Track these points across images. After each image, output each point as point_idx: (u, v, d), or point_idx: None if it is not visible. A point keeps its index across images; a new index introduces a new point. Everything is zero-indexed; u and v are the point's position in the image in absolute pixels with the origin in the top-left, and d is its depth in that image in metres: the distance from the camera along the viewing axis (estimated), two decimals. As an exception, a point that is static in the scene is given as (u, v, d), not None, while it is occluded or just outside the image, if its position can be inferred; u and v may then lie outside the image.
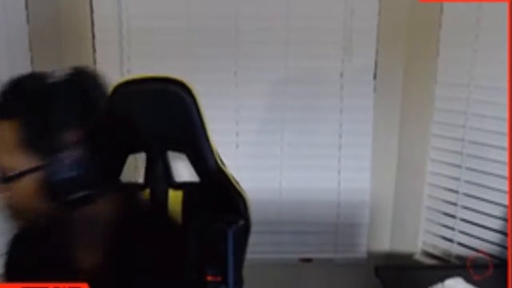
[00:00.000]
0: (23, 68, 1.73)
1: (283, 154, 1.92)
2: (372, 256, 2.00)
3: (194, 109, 1.15)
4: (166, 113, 1.16)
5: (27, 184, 0.77)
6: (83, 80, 0.84)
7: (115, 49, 1.83)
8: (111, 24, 1.81)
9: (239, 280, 0.81)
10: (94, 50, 1.84)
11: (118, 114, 0.93)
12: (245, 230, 1.11)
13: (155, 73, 1.17)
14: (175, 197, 1.16)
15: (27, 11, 1.72)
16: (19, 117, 0.76)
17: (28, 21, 1.73)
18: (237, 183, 1.18)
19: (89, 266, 0.88)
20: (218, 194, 1.10)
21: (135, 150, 1.21)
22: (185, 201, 1.16)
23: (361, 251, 2.01)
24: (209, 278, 0.80)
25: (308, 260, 2.01)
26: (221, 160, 1.18)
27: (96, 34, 1.83)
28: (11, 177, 0.77)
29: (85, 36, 1.83)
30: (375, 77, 1.88)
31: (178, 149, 1.16)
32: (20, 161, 0.77)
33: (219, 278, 0.80)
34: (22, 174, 0.77)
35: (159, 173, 1.17)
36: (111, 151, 0.86)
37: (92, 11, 1.81)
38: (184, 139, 1.14)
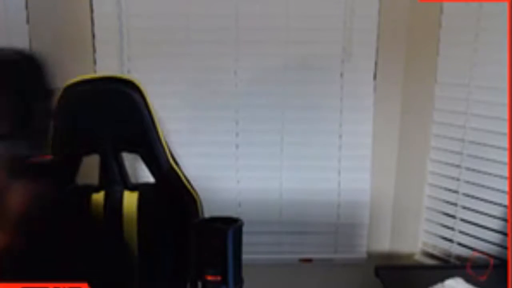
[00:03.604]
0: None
1: (283, 154, 1.92)
2: (372, 256, 2.00)
3: (144, 108, 1.14)
4: (116, 113, 1.14)
5: None
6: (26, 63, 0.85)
7: (115, 49, 1.83)
8: (111, 24, 1.81)
9: (239, 280, 0.81)
10: (94, 50, 1.84)
11: (65, 113, 0.93)
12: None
13: (104, 73, 1.16)
14: (130, 198, 1.15)
15: (27, 11, 1.72)
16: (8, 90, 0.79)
17: (28, 21, 1.73)
18: (189, 182, 1.17)
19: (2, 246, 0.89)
20: (171, 194, 1.09)
21: (87, 152, 1.20)
22: (141, 202, 1.14)
23: (361, 251, 2.01)
24: (209, 278, 0.80)
25: (308, 260, 2.01)
26: (174, 159, 1.17)
27: (96, 34, 1.83)
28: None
29: (85, 36, 1.83)
30: (375, 77, 1.88)
31: (131, 149, 1.16)
32: None
33: (219, 278, 0.80)
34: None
35: (113, 175, 1.17)
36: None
37: (92, 11, 1.81)
38: (136, 139, 1.13)
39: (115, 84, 1.08)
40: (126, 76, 1.14)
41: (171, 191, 1.10)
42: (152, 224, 1.12)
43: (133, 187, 1.18)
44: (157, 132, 1.14)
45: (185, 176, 1.17)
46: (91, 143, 1.05)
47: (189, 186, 1.16)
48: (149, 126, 1.12)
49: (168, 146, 1.17)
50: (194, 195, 1.16)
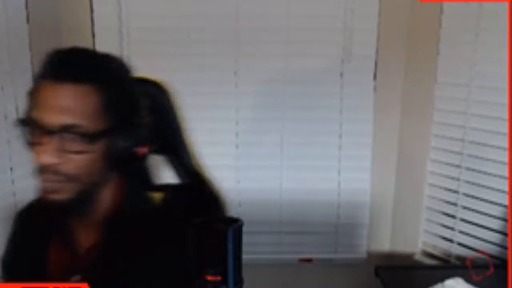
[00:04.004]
0: (23, 68, 1.73)
1: (283, 154, 1.92)
2: (372, 256, 2.00)
3: (172, 110, 1.14)
4: None
5: (97, 148, 0.82)
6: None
7: (115, 49, 1.82)
8: (111, 24, 1.81)
9: (239, 280, 0.81)
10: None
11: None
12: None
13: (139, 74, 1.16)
14: (155, 200, 1.15)
15: (27, 11, 1.72)
16: (96, 82, 0.82)
17: (28, 21, 1.73)
18: (215, 184, 1.17)
19: (88, 245, 0.92)
20: (195, 196, 1.09)
21: None
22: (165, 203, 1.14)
23: (361, 251, 2.01)
24: (209, 278, 0.80)
25: (308, 260, 2.01)
26: (199, 161, 1.17)
27: (96, 34, 1.83)
28: (91, 136, 0.81)
29: (85, 36, 1.83)
30: (375, 77, 1.88)
31: (157, 151, 1.15)
32: (94, 124, 0.81)
33: (219, 278, 0.80)
34: (97, 135, 0.81)
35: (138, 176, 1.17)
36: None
37: (92, 11, 1.81)
38: (162, 141, 1.13)
39: (143, 85, 1.08)
40: (153, 77, 1.14)
41: (196, 192, 1.11)
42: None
43: (157, 188, 1.17)
44: (183, 134, 1.14)
45: (210, 178, 1.17)
46: None
47: (215, 188, 1.17)
48: (176, 128, 1.12)
49: (193, 147, 1.17)
50: (221, 196, 1.16)
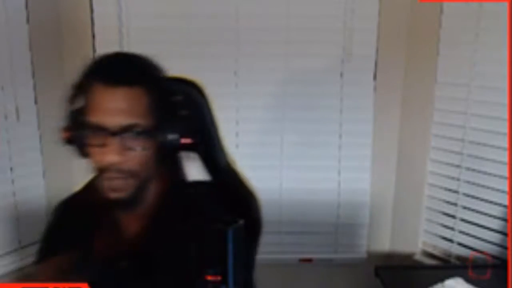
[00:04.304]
0: (23, 68, 1.73)
1: (283, 154, 1.92)
2: (372, 256, 2.00)
3: (206, 109, 1.15)
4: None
5: (152, 143, 0.90)
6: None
7: (115, 49, 1.82)
8: (111, 24, 1.81)
9: (239, 280, 0.81)
10: (94, 50, 1.84)
11: None
12: (256, 230, 1.10)
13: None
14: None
15: (27, 11, 1.72)
16: (144, 84, 0.91)
17: (28, 21, 1.73)
18: (247, 181, 1.18)
19: (133, 234, 0.98)
20: (229, 193, 1.10)
21: None
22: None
23: (361, 251, 2.01)
24: (209, 278, 0.80)
25: (308, 260, 2.01)
26: (231, 159, 1.18)
27: (96, 34, 1.83)
28: (147, 132, 0.89)
29: (85, 36, 1.83)
30: (375, 77, 1.88)
31: (191, 147, 1.16)
32: (147, 121, 0.89)
33: (219, 278, 0.80)
34: (152, 131, 0.89)
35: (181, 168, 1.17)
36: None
37: (92, 11, 1.81)
38: (198, 137, 1.14)
39: (180, 84, 1.10)
40: (189, 77, 1.16)
41: (230, 189, 1.11)
42: None
43: (192, 184, 1.17)
44: (217, 131, 1.14)
45: (245, 176, 1.18)
46: None
47: (248, 185, 1.17)
48: (210, 125, 1.13)
49: (225, 145, 1.17)
50: (253, 193, 1.17)
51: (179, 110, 0.94)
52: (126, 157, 0.89)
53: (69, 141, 0.95)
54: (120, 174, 0.90)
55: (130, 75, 0.91)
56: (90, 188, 1.02)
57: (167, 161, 0.97)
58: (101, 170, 0.90)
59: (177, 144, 0.93)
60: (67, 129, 0.94)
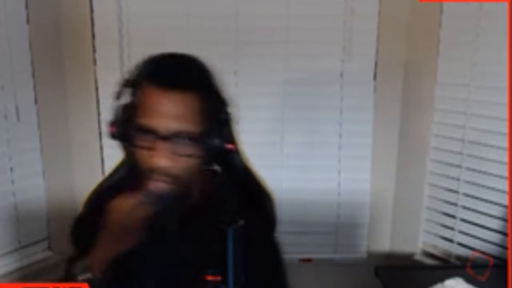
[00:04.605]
0: (23, 68, 1.73)
1: (283, 154, 1.92)
2: (372, 256, 2.00)
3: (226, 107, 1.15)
4: None
5: (199, 149, 0.91)
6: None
7: (115, 49, 1.83)
8: (111, 24, 1.81)
9: (239, 280, 0.81)
10: (94, 50, 1.84)
11: None
12: (271, 229, 1.13)
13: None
14: None
15: (27, 11, 1.72)
16: (198, 89, 0.91)
17: (28, 21, 1.73)
18: (264, 181, 1.18)
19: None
20: (245, 192, 1.10)
21: None
22: None
23: (361, 251, 2.01)
24: (209, 278, 0.80)
25: (308, 260, 2.01)
26: (246, 157, 1.18)
27: (96, 34, 1.83)
28: (197, 139, 0.90)
29: (85, 36, 1.83)
30: (375, 77, 1.88)
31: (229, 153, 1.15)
32: (198, 127, 0.90)
33: (219, 278, 0.80)
34: (201, 137, 0.90)
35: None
36: None
37: (92, 11, 1.81)
38: None
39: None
40: None
41: (246, 188, 1.11)
42: None
43: None
44: (235, 132, 1.13)
45: (259, 175, 1.18)
46: None
47: (263, 184, 1.17)
48: (231, 126, 1.12)
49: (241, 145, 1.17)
50: (269, 193, 1.18)
51: (224, 115, 0.97)
52: (175, 162, 0.89)
53: (114, 136, 0.95)
54: (167, 178, 0.90)
55: (187, 80, 0.92)
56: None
57: (209, 166, 0.99)
58: (150, 172, 0.90)
59: (222, 150, 0.95)
60: (113, 123, 0.95)
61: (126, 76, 0.97)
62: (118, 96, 0.95)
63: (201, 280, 0.80)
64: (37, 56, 1.76)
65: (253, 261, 0.92)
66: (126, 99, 0.95)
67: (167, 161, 0.88)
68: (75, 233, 1.08)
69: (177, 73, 0.92)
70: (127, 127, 0.92)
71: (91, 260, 0.92)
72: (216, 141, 0.93)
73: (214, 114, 0.94)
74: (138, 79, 0.93)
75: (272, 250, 1.11)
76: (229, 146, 0.97)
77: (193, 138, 0.89)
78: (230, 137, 0.98)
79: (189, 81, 0.91)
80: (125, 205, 0.89)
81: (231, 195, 1.03)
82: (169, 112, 0.88)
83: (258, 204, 1.11)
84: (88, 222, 1.01)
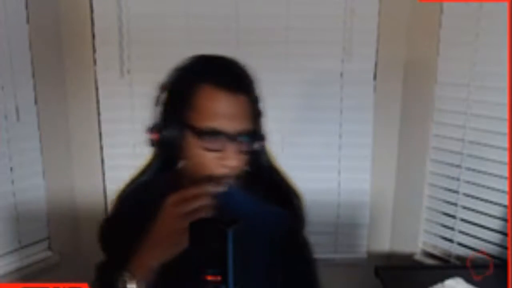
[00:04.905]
0: (23, 68, 1.73)
1: (283, 154, 1.92)
2: (372, 256, 2.00)
3: None
4: None
5: (248, 147, 0.94)
6: None
7: (115, 49, 1.83)
8: (111, 24, 1.81)
9: (239, 280, 0.81)
10: (94, 50, 1.84)
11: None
12: (299, 227, 1.11)
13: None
14: None
15: (27, 11, 1.72)
16: (251, 91, 0.97)
17: (28, 21, 1.73)
18: (291, 179, 1.19)
19: None
20: (272, 190, 1.11)
21: None
22: None
23: (361, 251, 2.01)
24: (209, 278, 0.80)
25: (308, 260, 2.01)
26: (272, 155, 1.18)
27: (96, 34, 1.83)
28: (256, 137, 0.95)
29: (85, 36, 1.83)
30: (375, 77, 1.88)
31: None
32: (252, 126, 0.95)
33: (219, 278, 0.80)
34: (252, 136, 0.95)
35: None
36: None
37: (92, 11, 1.81)
38: None
39: None
40: None
41: (274, 186, 1.12)
42: None
43: None
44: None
45: (285, 172, 1.18)
46: None
47: (290, 182, 1.18)
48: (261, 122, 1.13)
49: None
50: (296, 190, 1.18)
51: (260, 113, 1.00)
52: (240, 161, 0.93)
53: (158, 142, 0.94)
54: (232, 178, 0.93)
55: (243, 82, 0.96)
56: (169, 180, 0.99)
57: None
58: (210, 173, 0.91)
59: (263, 147, 1.00)
60: (156, 129, 0.94)
61: (171, 78, 0.97)
62: (165, 100, 0.95)
63: (201, 280, 0.80)
64: (37, 56, 1.76)
65: (284, 259, 0.96)
66: (171, 101, 0.95)
67: (235, 161, 0.92)
68: (108, 236, 1.05)
69: (236, 74, 0.96)
70: (177, 130, 0.92)
71: (133, 267, 0.88)
72: (262, 139, 0.99)
73: (257, 112, 0.99)
74: (192, 81, 0.93)
75: (301, 249, 1.10)
76: (263, 143, 1.02)
77: (252, 137, 0.94)
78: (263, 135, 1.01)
79: (245, 83, 0.96)
80: (182, 207, 0.86)
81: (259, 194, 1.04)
82: (234, 112, 0.92)
83: (287, 202, 1.10)
84: (124, 224, 0.99)
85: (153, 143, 0.95)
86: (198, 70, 0.95)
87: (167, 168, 1.01)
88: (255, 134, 0.96)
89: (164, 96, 0.96)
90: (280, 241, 1.01)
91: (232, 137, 0.91)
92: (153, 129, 0.94)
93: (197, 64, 0.96)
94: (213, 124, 0.90)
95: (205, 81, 0.92)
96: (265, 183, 1.07)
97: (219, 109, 0.91)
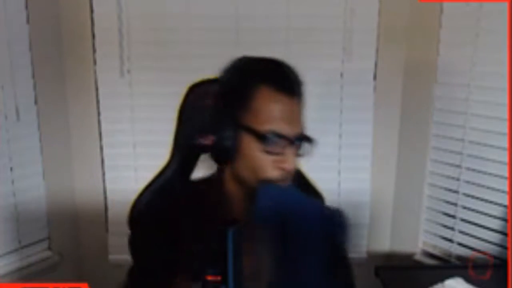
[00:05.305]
0: (23, 68, 1.73)
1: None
2: (372, 256, 2.00)
3: None
4: None
5: (303, 150, 0.96)
6: None
7: (115, 49, 1.83)
8: (111, 24, 1.81)
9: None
10: (94, 50, 1.84)
11: (189, 111, 1.10)
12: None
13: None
14: None
15: (27, 11, 1.72)
16: (302, 96, 0.98)
17: (28, 21, 1.73)
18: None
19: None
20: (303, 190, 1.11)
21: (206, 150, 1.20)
22: None
23: (361, 251, 2.01)
24: (209, 278, 0.80)
25: (308, 260, 2.00)
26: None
27: (96, 34, 1.83)
28: (310, 140, 0.96)
29: (85, 36, 1.83)
30: (375, 77, 1.88)
31: None
32: (303, 130, 0.97)
33: (219, 278, 0.80)
34: (307, 139, 0.96)
35: None
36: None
37: (92, 11, 1.81)
38: None
39: None
40: None
41: (304, 190, 1.12)
42: None
43: None
44: None
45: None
46: None
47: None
48: None
49: None
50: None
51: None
52: (296, 164, 0.95)
53: (212, 146, 0.93)
54: (286, 181, 0.93)
55: (300, 85, 0.98)
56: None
57: None
58: (279, 174, 0.91)
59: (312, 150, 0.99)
60: (211, 132, 0.93)
61: (224, 79, 0.96)
62: (221, 104, 0.94)
63: (201, 280, 0.80)
64: (37, 56, 1.76)
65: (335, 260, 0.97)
66: (225, 103, 0.93)
67: (293, 164, 0.93)
68: (139, 243, 1.04)
69: (292, 77, 0.97)
70: (233, 132, 0.91)
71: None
72: (314, 141, 0.98)
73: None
74: (250, 82, 0.93)
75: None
76: (313, 146, 1.01)
77: (305, 140, 0.96)
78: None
79: (299, 86, 0.97)
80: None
81: None
82: (294, 117, 0.94)
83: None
84: (159, 232, 0.96)
85: (206, 147, 0.94)
86: (255, 72, 0.95)
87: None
88: (308, 137, 0.97)
89: (216, 98, 0.95)
90: (334, 241, 1.03)
91: (291, 140, 0.92)
92: (206, 132, 0.93)
93: (252, 66, 0.96)
94: (274, 127, 0.90)
95: (264, 83, 0.92)
96: (298, 185, 1.06)
97: (279, 112, 0.92)
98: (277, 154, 0.91)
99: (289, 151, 0.92)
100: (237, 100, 0.92)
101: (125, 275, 1.06)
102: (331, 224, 1.02)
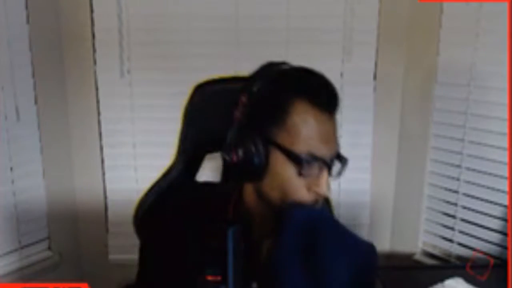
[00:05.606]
0: (23, 68, 1.73)
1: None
2: (372, 256, 1.99)
3: None
4: None
5: (338, 172, 0.89)
6: None
7: (115, 49, 1.83)
8: (111, 24, 1.81)
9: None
10: (94, 50, 1.84)
11: (195, 112, 1.04)
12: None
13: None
14: None
15: (27, 11, 1.72)
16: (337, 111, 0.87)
17: (28, 21, 1.73)
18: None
19: (266, 253, 0.92)
20: None
21: (212, 150, 1.17)
22: None
23: (361, 251, 2.01)
24: (209, 278, 0.80)
25: (308, 260, 2.00)
26: None
27: (96, 34, 1.83)
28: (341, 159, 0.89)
29: (85, 36, 1.83)
30: (375, 77, 1.88)
31: None
32: (338, 150, 0.89)
33: (219, 278, 0.80)
34: (342, 160, 0.90)
35: None
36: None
37: (92, 11, 1.81)
38: None
39: (243, 83, 1.05)
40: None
41: None
42: None
43: None
44: None
45: None
46: (217, 142, 0.97)
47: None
48: None
49: None
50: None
51: None
52: (330, 187, 0.87)
53: (238, 163, 0.84)
54: (318, 204, 0.87)
55: (337, 99, 0.86)
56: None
57: None
58: (314, 198, 0.85)
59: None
60: (237, 148, 0.83)
61: (254, 89, 0.87)
62: (256, 117, 0.84)
63: (201, 280, 0.80)
64: (37, 56, 1.76)
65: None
66: (255, 116, 0.85)
67: (327, 188, 0.85)
68: (145, 244, 1.00)
69: (331, 91, 0.86)
70: (262, 150, 0.82)
71: None
72: (347, 161, 0.92)
73: None
74: (284, 95, 0.84)
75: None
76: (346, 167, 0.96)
77: (340, 160, 0.89)
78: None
79: (338, 101, 0.87)
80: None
81: None
82: (332, 137, 0.86)
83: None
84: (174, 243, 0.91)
85: (231, 164, 0.85)
86: (289, 84, 0.87)
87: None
88: (343, 157, 0.89)
89: (243, 109, 0.86)
90: (361, 272, 0.97)
91: (327, 163, 0.85)
92: (232, 148, 0.84)
93: (286, 76, 0.89)
94: (311, 149, 0.82)
95: (299, 97, 0.83)
96: None
97: (316, 131, 0.83)
98: (311, 177, 0.84)
99: (325, 174, 0.85)
100: (268, 113, 0.84)
101: (124, 275, 1.06)
102: (361, 259, 0.99)
